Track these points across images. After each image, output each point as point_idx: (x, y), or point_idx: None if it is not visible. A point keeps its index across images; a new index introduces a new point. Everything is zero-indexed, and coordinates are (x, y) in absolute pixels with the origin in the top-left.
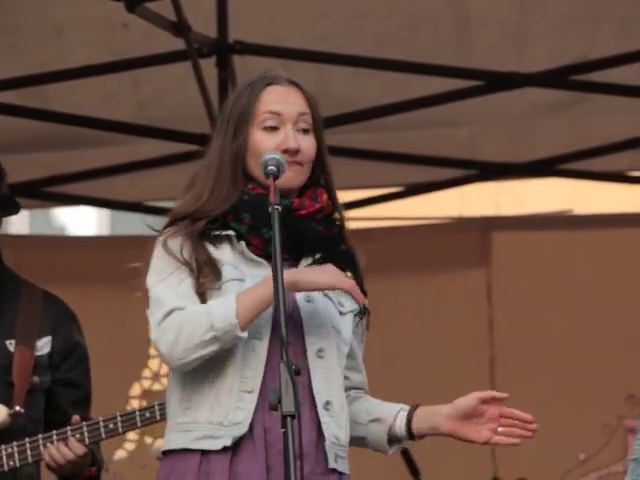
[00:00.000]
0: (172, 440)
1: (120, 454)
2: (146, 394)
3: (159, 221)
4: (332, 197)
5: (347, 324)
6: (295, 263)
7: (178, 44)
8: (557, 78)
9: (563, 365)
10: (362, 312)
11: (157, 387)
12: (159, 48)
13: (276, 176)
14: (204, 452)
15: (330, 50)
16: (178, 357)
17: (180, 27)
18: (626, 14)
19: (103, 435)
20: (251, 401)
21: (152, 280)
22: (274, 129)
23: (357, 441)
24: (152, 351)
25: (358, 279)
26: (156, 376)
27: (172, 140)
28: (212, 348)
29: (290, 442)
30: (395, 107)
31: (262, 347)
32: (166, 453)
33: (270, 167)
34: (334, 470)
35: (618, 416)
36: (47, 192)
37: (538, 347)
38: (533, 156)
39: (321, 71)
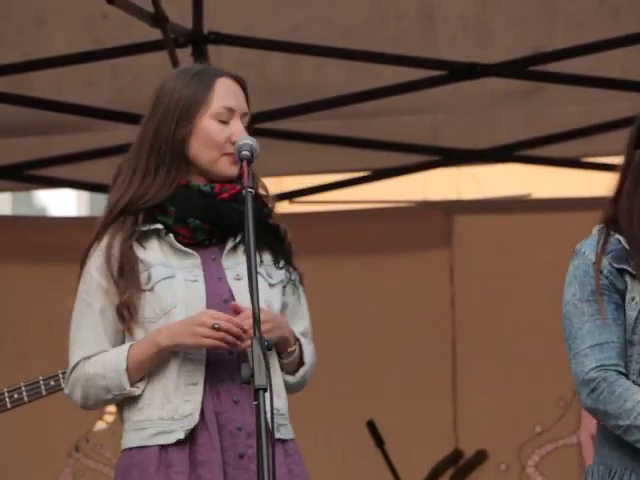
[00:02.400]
0: (130, 439)
1: (100, 425)
2: None
3: None
4: (257, 176)
5: (276, 295)
6: (222, 246)
7: (155, 34)
8: (516, 69)
9: (521, 342)
10: (291, 278)
11: None
12: (137, 38)
13: (250, 161)
14: (162, 446)
15: (301, 40)
16: (90, 408)
17: (157, 18)
18: (581, 8)
19: (9, 405)
20: (198, 392)
21: (73, 314)
22: (225, 122)
23: None
24: None
25: (284, 253)
26: None
27: None
28: (117, 400)
29: (262, 415)
30: (362, 95)
31: None
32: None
33: (244, 152)
34: (278, 439)
35: (573, 390)
36: (30, 175)
37: (497, 325)
38: (493, 143)
39: (292, 60)
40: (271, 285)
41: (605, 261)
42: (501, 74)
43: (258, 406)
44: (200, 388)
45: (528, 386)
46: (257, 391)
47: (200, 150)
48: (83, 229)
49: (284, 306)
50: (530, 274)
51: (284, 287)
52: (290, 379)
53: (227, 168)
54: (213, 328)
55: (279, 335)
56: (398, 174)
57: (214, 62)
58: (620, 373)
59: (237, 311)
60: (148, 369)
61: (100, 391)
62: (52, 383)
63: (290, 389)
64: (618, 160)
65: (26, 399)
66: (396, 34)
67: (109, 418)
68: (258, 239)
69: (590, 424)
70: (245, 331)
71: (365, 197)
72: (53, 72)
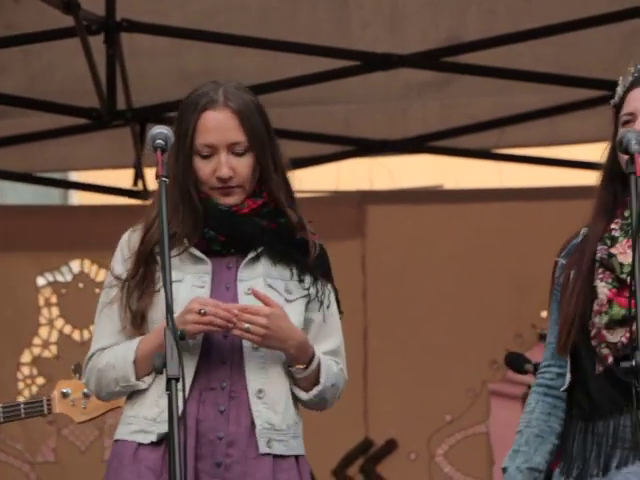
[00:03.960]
0: (119, 431)
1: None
2: (36, 361)
3: (46, 191)
4: (277, 195)
5: (295, 310)
6: (242, 257)
7: (68, 21)
8: (429, 59)
9: (431, 332)
10: (317, 294)
11: (46, 354)
12: (49, 24)
13: (164, 149)
14: (140, 443)
15: (214, 28)
16: (103, 399)
17: (69, 5)
18: None
19: None
20: (181, 399)
21: (98, 305)
22: (208, 156)
23: None
24: (42, 319)
25: (310, 268)
26: (46, 344)
27: (61, 113)
28: (126, 393)
29: (174, 405)
30: (276, 85)
31: (195, 346)
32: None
33: (158, 141)
34: (268, 454)
35: (482, 380)
36: None
37: (408, 315)
38: (406, 134)
39: (205, 47)
40: (288, 301)
41: (559, 258)
42: (415, 65)
43: (170, 397)
44: (185, 394)
45: (438, 376)
46: (169, 381)
47: (197, 182)
48: None
49: (308, 322)
50: (442, 264)
51: (308, 303)
52: (302, 396)
53: (221, 200)
54: (200, 313)
55: (278, 346)
56: (311, 164)
57: (127, 50)
58: (545, 375)
59: (259, 299)
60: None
61: (110, 382)
62: (35, 408)
63: (307, 406)
64: (529, 151)
65: (2, 419)
66: (310, 21)
67: None
68: (280, 253)
69: (499, 414)
70: (235, 315)
71: None
72: None
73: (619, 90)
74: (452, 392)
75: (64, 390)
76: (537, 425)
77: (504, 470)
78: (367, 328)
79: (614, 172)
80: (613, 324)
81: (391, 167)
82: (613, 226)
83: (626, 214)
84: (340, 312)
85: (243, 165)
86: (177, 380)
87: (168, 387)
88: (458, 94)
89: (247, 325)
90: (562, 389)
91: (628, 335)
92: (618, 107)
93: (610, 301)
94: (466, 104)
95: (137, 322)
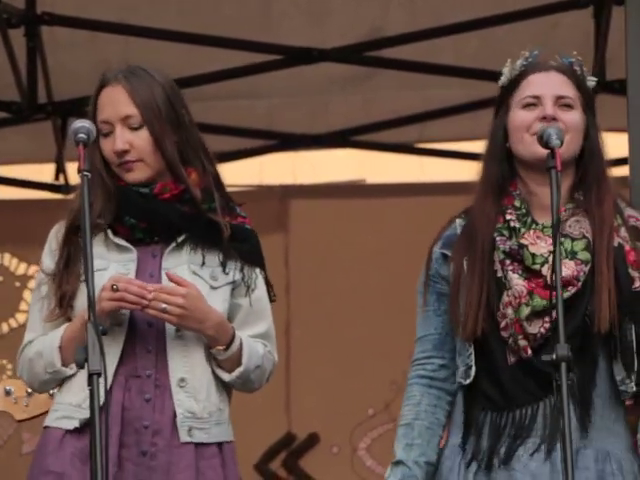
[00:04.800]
0: (47, 417)
1: None
2: None
3: None
4: (205, 173)
5: (220, 297)
6: (166, 244)
7: None
8: (352, 54)
9: (354, 326)
10: (243, 279)
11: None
12: None
13: (86, 143)
14: (67, 430)
15: (135, 21)
16: (36, 390)
17: None
18: None
19: None
20: (100, 383)
21: (32, 294)
22: (108, 134)
23: None
24: None
25: (230, 251)
26: None
27: None
28: (55, 380)
29: (96, 400)
30: (197, 79)
31: (120, 333)
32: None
33: (80, 135)
34: (189, 443)
35: (404, 372)
36: None
37: (331, 309)
38: (329, 128)
39: (125, 41)
40: (213, 288)
41: (436, 248)
42: (337, 59)
43: (92, 392)
44: (109, 381)
45: (361, 369)
46: (90, 376)
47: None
48: None
49: (236, 307)
50: (364, 258)
51: (234, 289)
52: (225, 377)
53: (125, 177)
54: (112, 289)
55: (196, 327)
56: (234, 158)
57: (48, 43)
58: (427, 366)
59: (173, 280)
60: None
61: (40, 370)
62: None
63: (233, 387)
64: (451, 146)
65: None
66: (231, 15)
67: None
68: (203, 239)
69: None
70: (150, 292)
71: None
72: None
73: (508, 71)
74: (374, 385)
75: (7, 388)
76: (426, 417)
77: (398, 463)
78: (290, 322)
79: (503, 151)
80: (532, 316)
81: (314, 161)
82: (509, 217)
83: (517, 204)
84: (271, 299)
85: (139, 138)
86: (99, 375)
87: (90, 382)
88: (380, 88)
89: (164, 305)
90: (467, 382)
91: (546, 326)
92: (508, 89)
93: (531, 293)
94: (388, 98)
95: (64, 304)
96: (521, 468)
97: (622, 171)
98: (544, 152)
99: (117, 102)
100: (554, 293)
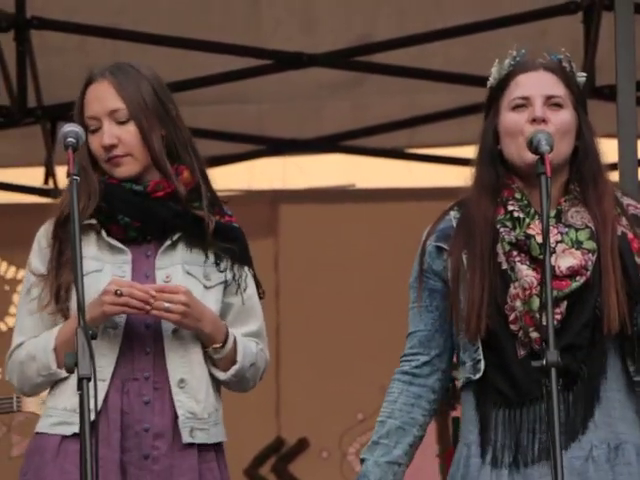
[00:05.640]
0: (40, 423)
1: None
2: None
3: None
4: (195, 170)
5: (213, 297)
6: (159, 244)
7: None
8: (341, 59)
9: (344, 330)
10: (234, 278)
11: None
12: None
13: (75, 147)
14: (64, 436)
15: (124, 26)
16: (27, 394)
17: None
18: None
19: None
20: (103, 389)
21: (18, 301)
22: (96, 130)
23: None
24: None
25: (222, 250)
26: None
27: None
28: (48, 383)
29: (85, 405)
30: (187, 83)
31: (116, 337)
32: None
33: (69, 139)
34: (192, 444)
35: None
36: None
37: (321, 313)
38: (318, 133)
39: (115, 45)
40: (207, 287)
41: (430, 242)
42: (327, 64)
43: (82, 396)
44: (106, 385)
45: (350, 374)
46: (80, 380)
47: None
48: None
49: (227, 307)
50: (353, 263)
51: (226, 288)
52: (221, 376)
53: (113, 172)
54: (116, 294)
55: (194, 325)
56: (224, 163)
57: (37, 47)
58: (412, 362)
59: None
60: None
61: (32, 374)
62: (4, 405)
63: (227, 387)
64: (439, 151)
65: None
66: (222, 19)
67: None
68: (196, 238)
69: None
70: (152, 296)
71: None
72: None
73: (496, 72)
74: (364, 390)
75: None
76: (400, 416)
77: (362, 461)
78: (279, 326)
79: (494, 153)
80: (543, 307)
81: (304, 166)
82: (511, 207)
83: (517, 196)
84: (260, 296)
85: (127, 132)
86: (89, 380)
87: (79, 387)
88: (370, 94)
89: (167, 304)
90: (476, 377)
91: (558, 317)
92: (497, 90)
93: (540, 284)
94: (377, 104)
95: (61, 298)
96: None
97: (612, 177)
98: (534, 158)
99: (103, 97)
100: (563, 283)
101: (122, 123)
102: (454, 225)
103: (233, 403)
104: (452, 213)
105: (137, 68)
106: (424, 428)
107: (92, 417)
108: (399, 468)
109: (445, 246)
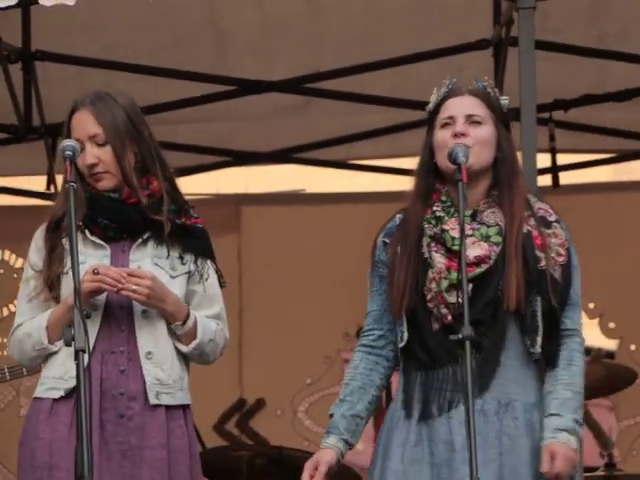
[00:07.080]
0: (36, 390)
1: None
2: None
3: None
4: (162, 180)
5: (178, 284)
6: (132, 241)
7: None
8: (294, 86)
9: (295, 310)
10: (197, 269)
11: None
12: None
13: (72, 159)
14: (55, 399)
15: (115, 59)
16: (26, 365)
17: None
18: (348, 35)
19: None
20: (85, 359)
21: (20, 285)
22: (81, 150)
23: None
24: None
25: (186, 246)
26: None
27: None
28: (42, 356)
29: (82, 374)
30: (167, 105)
31: (97, 317)
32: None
33: (67, 152)
34: (160, 406)
35: (337, 349)
36: None
37: (277, 296)
38: (275, 146)
39: (107, 75)
40: (172, 277)
41: (380, 238)
42: (282, 90)
43: (78, 366)
44: (86, 357)
45: (301, 346)
46: (77, 352)
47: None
48: None
49: (192, 293)
50: (304, 255)
51: (190, 277)
52: (183, 349)
53: (96, 185)
54: (93, 273)
55: (158, 305)
56: (196, 172)
57: (41, 76)
58: (369, 337)
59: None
60: (64, 327)
61: (29, 348)
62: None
63: (192, 359)
64: (375, 162)
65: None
66: (195, 53)
67: None
68: (163, 236)
69: None
70: (124, 277)
71: None
72: None
73: (433, 98)
74: (312, 359)
75: None
76: (361, 379)
77: (330, 416)
78: (242, 308)
79: (429, 166)
80: (450, 287)
81: (263, 174)
82: (435, 208)
83: (443, 198)
84: (222, 285)
85: (105, 153)
86: (84, 352)
87: (76, 357)
88: (317, 114)
89: (135, 287)
90: (401, 344)
91: (460, 297)
92: (433, 113)
93: (448, 269)
94: (324, 122)
95: (53, 287)
96: (459, 418)
97: None
98: (454, 167)
99: (85, 123)
100: (470, 269)
101: (101, 145)
102: (397, 224)
103: (204, 373)
104: (398, 215)
105: (114, 97)
106: (380, 389)
107: (74, 384)
108: (361, 421)
109: (388, 241)
